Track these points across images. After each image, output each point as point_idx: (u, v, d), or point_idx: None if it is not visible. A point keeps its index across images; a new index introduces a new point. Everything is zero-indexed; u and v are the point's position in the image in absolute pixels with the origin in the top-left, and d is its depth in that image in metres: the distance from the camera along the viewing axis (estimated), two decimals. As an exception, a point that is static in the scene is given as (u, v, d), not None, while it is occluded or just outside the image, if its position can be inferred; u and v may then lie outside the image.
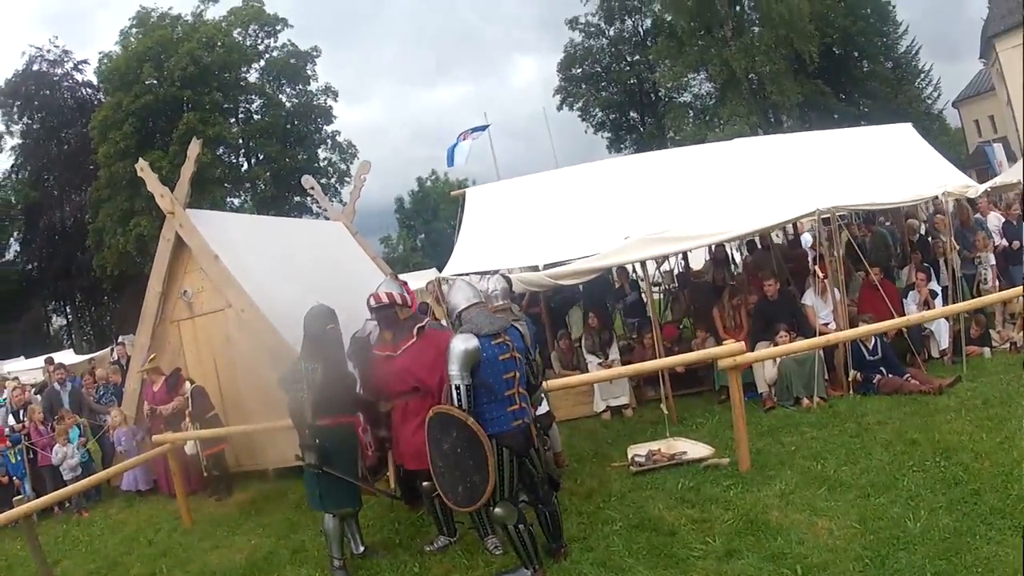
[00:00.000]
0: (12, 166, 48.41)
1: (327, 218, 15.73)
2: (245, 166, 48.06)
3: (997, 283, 11.82)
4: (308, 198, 41.17)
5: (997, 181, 13.92)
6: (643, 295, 13.36)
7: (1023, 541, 4.94)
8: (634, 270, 13.87)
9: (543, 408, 7.34)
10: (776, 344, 9.84)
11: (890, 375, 9.67)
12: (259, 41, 47.84)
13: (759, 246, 14.01)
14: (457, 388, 5.54)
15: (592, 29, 51.55)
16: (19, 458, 11.35)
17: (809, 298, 10.82)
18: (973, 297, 11.26)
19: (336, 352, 6.72)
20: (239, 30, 46.63)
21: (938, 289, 11.17)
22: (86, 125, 44.01)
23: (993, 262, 12.04)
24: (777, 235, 15.00)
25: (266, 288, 10.43)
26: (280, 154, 46.63)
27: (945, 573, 4.92)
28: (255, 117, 48.16)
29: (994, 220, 13.37)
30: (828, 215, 9.88)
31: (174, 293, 11.16)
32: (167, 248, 11.01)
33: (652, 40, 48.68)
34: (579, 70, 52.49)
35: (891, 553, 5.26)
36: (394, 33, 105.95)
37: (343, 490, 6.59)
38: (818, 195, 10.01)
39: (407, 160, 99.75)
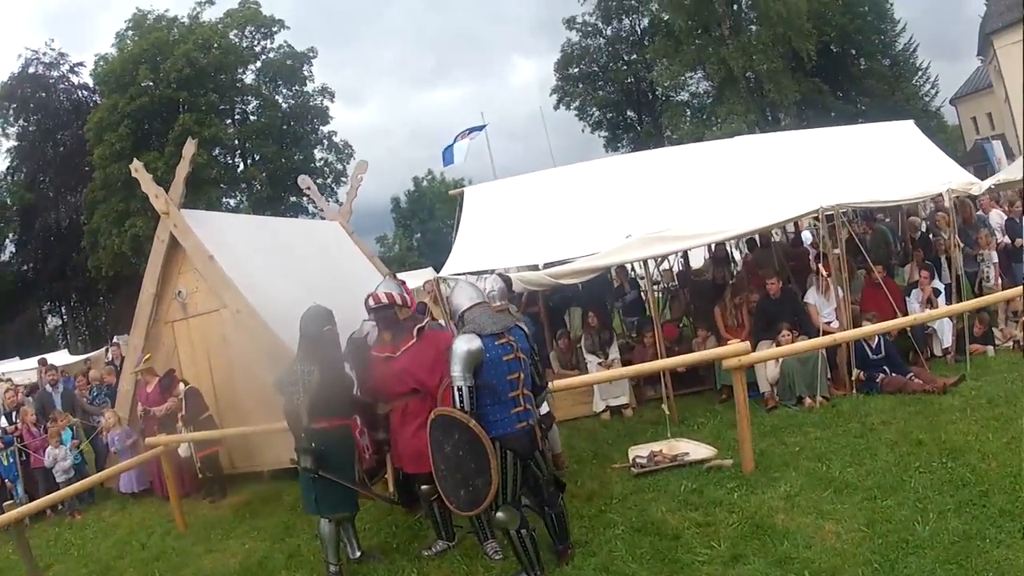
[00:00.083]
0: (8, 168, 48.50)
1: (323, 218, 15.64)
2: (241, 167, 48.02)
3: (999, 281, 11.74)
4: (304, 198, 41.19)
5: (1000, 178, 13.82)
6: (642, 294, 13.28)
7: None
8: (633, 269, 13.77)
9: (544, 409, 7.23)
10: (778, 343, 9.75)
11: (894, 374, 9.57)
12: (255, 43, 47.87)
13: (759, 244, 13.90)
14: (459, 390, 5.42)
15: (589, 28, 51.59)
16: (11, 460, 11.28)
17: (812, 296, 10.74)
18: (975, 295, 11.19)
19: (333, 353, 6.61)
20: (235, 32, 46.61)
21: (941, 287, 11.08)
22: (82, 127, 43.99)
23: (996, 259, 11.96)
24: (777, 233, 14.90)
25: (262, 289, 10.36)
26: (276, 155, 46.63)
27: (956, 578, 4.82)
28: (251, 118, 48.15)
29: (996, 217, 13.30)
30: (831, 212, 9.78)
31: (168, 294, 11.10)
32: (161, 249, 10.95)
33: (649, 39, 48.70)
34: (576, 69, 52.50)
35: (900, 558, 5.15)
36: (393, 34, 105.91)
37: (339, 494, 6.47)
38: (821, 193, 9.91)
39: (404, 160, 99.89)
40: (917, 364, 10.03)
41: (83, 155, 43.96)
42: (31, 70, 46.75)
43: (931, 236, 12.88)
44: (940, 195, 10.94)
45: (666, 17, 45.95)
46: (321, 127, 50.03)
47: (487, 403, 5.52)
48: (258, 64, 47.97)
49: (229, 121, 47.18)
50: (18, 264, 48.79)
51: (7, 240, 48.80)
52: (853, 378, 9.70)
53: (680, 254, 14.57)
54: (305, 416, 6.34)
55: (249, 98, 48.35)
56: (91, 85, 47.26)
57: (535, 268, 11.15)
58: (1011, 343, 10.66)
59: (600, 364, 11.21)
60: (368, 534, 7.51)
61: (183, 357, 11.10)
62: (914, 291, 11.07)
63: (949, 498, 5.93)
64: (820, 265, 10.46)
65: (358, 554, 6.90)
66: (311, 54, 48.42)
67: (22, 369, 25.85)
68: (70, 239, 45.87)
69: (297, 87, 49.06)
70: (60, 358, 27.00)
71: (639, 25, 51.44)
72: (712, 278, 12.92)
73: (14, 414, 12.10)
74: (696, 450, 8.15)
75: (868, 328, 9.11)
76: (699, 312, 12.56)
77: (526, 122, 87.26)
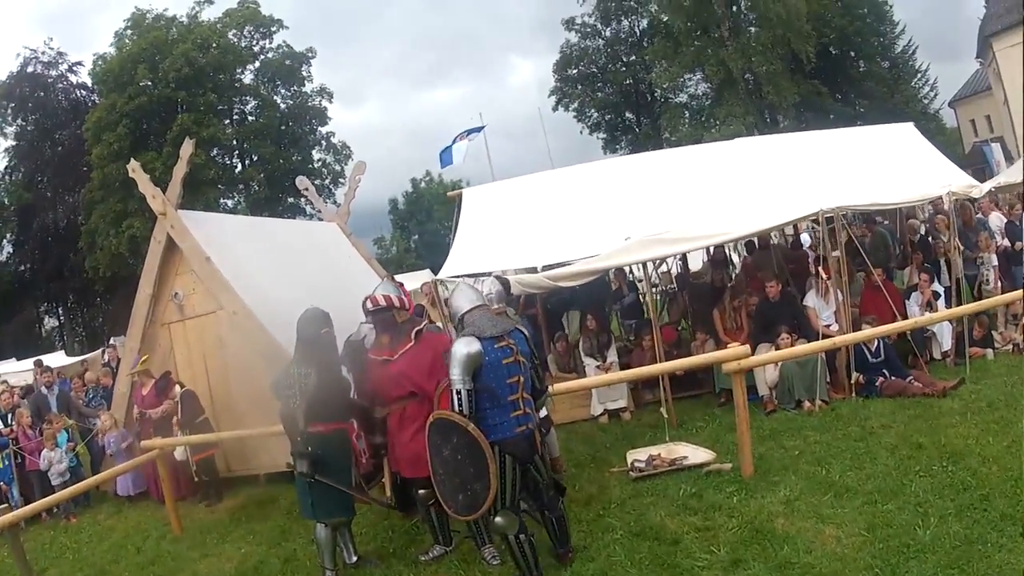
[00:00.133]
0: (5, 167, 48.29)
1: (321, 219, 15.62)
2: (239, 167, 47.80)
3: (999, 284, 11.72)
4: (302, 199, 41.09)
5: (1000, 180, 13.79)
6: (640, 296, 13.24)
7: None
8: (631, 271, 13.73)
9: (541, 412, 7.19)
10: (777, 346, 9.72)
11: (893, 377, 9.55)
12: (254, 42, 47.65)
13: (758, 246, 13.86)
14: (458, 393, 5.38)
15: (588, 30, 51.43)
16: (7, 463, 11.23)
17: (811, 299, 10.70)
18: (975, 298, 11.16)
19: (330, 356, 6.58)
20: (234, 31, 46.41)
21: (940, 290, 11.05)
22: (80, 127, 43.85)
23: (995, 263, 11.94)
24: (775, 235, 14.85)
25: (259, 290, 10.32)
26: (274, 155, 46.48)
27: (958, 583, 4.79)
28: (249, 118, 47.92)
29: (996, 220, 13.27)
30: (832, 215, 9.74)
31: (165, 295, 11.05)
32: (158, 249, 10.90)
33: (648, 41, 48.59)
34: (575, 71, 52.35)
35: (902, 562, 5.13)
36: (392, 35, 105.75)
37: (336, 499, 6.44)
38: (821, 195, 9.88)
39: (401, 161, 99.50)
40: (916, 367, 10.01)
41: (81, 155, 43.77)
42: (29, 69, 46.57)
43: (930, 239, 12.86)
44: (939, 198, 10.90)
45: (665, 18, 45.83)
46: (319, 128, 49.91)
47: (486, 407, 5.47)
48: (257, 64, 47.82)
49: (227, 121, 47.01)
50: (15, 264, 48.59)
51: (4, 240, 48.58)
52: (852, 381, 9.67)
53: (678, 256, 14.52)
54: (301, 420, 6.30)
55: (247, 98, 48.19)
56: (89, 84, 47.05)
57: (533, 270, 11.11)
58: (1011, 346, 10.65)
59: (598, 367, 11.16)
60: (365, 539, 7.47)
61: (179, 359, 11.04)
62: (914, 294, 11.03)
63: (950, 502, 5.90)
64: (820, 268, 10.41)
65: (355, 559, 6.86)
66: (310, 54, 48.34)
67: (18, 371, 25.74)
68: (68, 239, 45.68)
69: (295, 87, 48.92)
70: (57, 359, 26.90)
71: (638, 26, 51.32)
72: (711, 281, 12.89)
73: (9, 416, 12.03)
74: (695, 454, 8.11)
75: (869, 331, 9.07)
76: (697, 315, 12.52)
77: (524, 123, 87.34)
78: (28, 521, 9.25)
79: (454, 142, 22.78)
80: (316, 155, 50.09)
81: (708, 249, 12.59)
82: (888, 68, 45.53)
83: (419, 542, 7.12)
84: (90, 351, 34.72)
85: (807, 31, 39.27)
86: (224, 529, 8.85)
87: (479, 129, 22.79)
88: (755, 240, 13.39)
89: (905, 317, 10.18)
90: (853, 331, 9.49)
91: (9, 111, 46.68)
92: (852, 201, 10.14)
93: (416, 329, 6.45)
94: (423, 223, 68.75)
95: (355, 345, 6.90)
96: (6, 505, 8.31)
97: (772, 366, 9.66)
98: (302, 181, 15.47)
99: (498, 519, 5.54)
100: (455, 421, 5.37)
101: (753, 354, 8.24)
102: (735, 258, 16.25)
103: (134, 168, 11.02)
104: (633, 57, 51.23)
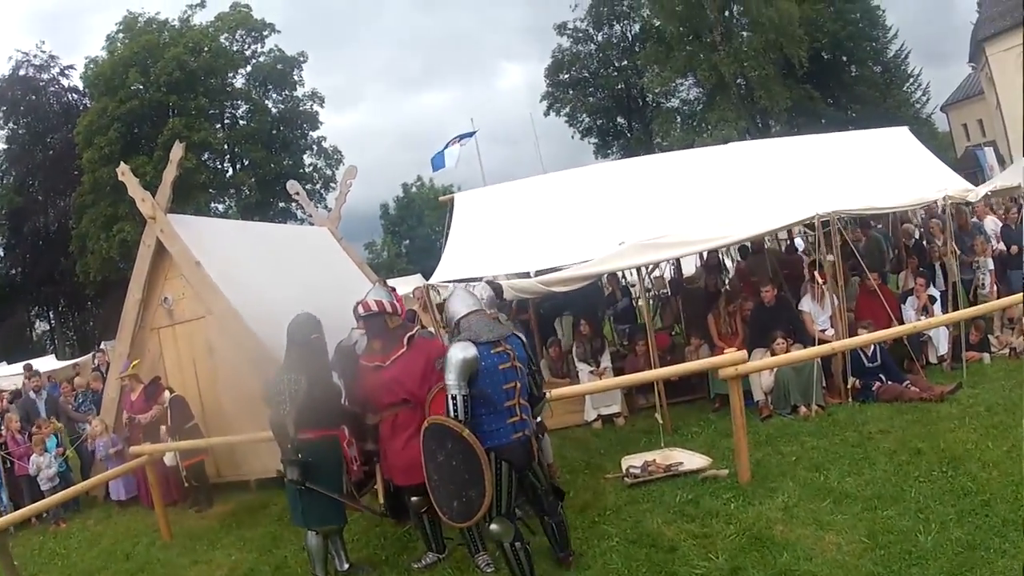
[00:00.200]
0: (-4, 171, 48.04)
1: (312, 224, 15.54)
2: (230, 172, 47.78)
3: (995, 288, 11.71)
4: (293, 204, 40.85)
5: (997, 184, 13.79)
6: (634, 301, 13.19)
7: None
8: (624, 276, 13.68)
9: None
10: (773, 351, 9.66)
11: (889, 382, 9.49)
12: (246, 47, 47.62)
13: (751, 251, 13.82)
14: (454, 398, 5.30)
15: (580, 35, 51.59)
16: (-4, 468, 11.13)
17: (807, 304, 10.66)
18: (971, 302, 11.14)
19: (320, 362, 6.47)
20: (226, 35, 46.39)
21: (936, 294, 11.01)
22: (71, 130, 43.70)
23: (991, 267, 11.95)
24: (770, 240, 14.83)
25: (249, 295, 10.24)
26: (265, 160, 46.49)
27: (961, 589, 4.73)
28: (241, 122, 47.89)
29: (991, 224, 13.28)
30: (828, 219, 9.69)
31: (154, 300, 10.98)
32: (147, 254, 10.84)
33: (640, 45, 48.78)
34: (567, 75, 52.49)
35: (904, 569, 5.07)
36: (383, 39, 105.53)
37: (327, 506, 6.35)
38: (816, 199, 9.85)
39: (392, 165, 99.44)
40: (913, 372, 9.95)
41: (72, 159, 43.61)
42: (21, 72, 46.43)
43: (925, 243, 12.85)
44: (935, 202, 10.87)
45: (657, 23, 45.93)
46: (311, 132, 49.92)
47: (482, 412, 5.39)
48: (248, 68, 47.78)
49: (219, 126, 46.94)
50: (6, 268, 48.43)
51: (-6, 244, 48.53)
52: (849, 386, 9.61)
53: (672, 261, 14.48)
54: (292, 426, 6.21)
55: (239, 102, 48.11)
56: (81, 88, 47.04)
57: (526, 275, 11.05)
58: (1007, 350, 10.62)
59: (592, 372, 11.09)
60: (356, 546, 7.38)
61: (169, 364, 10.97)
62: (909, 298, 10.99)
63: (950, 508, 5.85)
64: (816, 272, 10.36)
65: (346, 567, 6.76)
66: (301, 58, 48.34)
67: (8, 375, 25.59)
68: (58, 243, 45.59)
69: (287, 92, 48.91)
70: (48, 363, 26.82)
71: (630, 31, 51.48)
72: (704, 285, 12.86)
73: (-2, 420, 11.93)
74: (691, 460, 8.04)
75: (866, 337, 9.00)
76: (691, 320, 12.48)
77: (515, 127, 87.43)
78: (17, 526, 9.20)
79: (446, 147, 22.78)
80: (307, 159, 50.21)
81: (702, 254, 12.55)
82: (880, 73, 45.68)
83: (412, 549, 7.03)
84: (81, 355, 34.54)
85: (799, 36, 39.38)
86: (214, 535, 8.75)
87: (471, 134, 22.81)
88: (749, 245, 13.35)
89: (901, 322, 10.16)
90: (849, 336, 9.44)
91: (0, 114, 46.51)
92: (848, 205, 10.10)
93: (408, 335, 6.34)
94: (414, 228, 68.59)
95: (346, 350, 6.78)
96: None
97: (768, 371, 9.59)
98: (293, 185, 15.39)
99: (493, 526, 5.46)
100: (450, 427, 5.28)
101: (748, 359, 8.18)
102: (728, 263, 16.21)
103: (124, 172, 10.93)
104: (625, 62, 51.41)
